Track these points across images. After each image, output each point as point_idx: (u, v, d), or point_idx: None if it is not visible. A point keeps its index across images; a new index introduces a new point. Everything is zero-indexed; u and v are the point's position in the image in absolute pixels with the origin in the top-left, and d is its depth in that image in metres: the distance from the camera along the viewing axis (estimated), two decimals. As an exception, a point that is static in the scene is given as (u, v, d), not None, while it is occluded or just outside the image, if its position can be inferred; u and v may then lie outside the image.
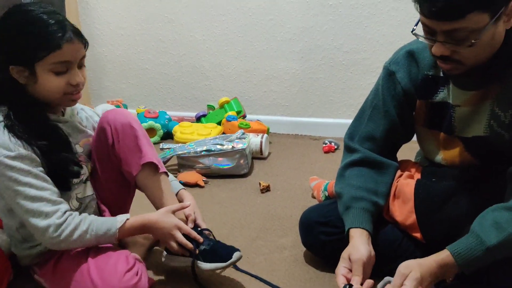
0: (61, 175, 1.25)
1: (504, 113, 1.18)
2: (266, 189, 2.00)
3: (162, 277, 1.41)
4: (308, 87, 2.66)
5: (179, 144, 2.28)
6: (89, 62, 1.25)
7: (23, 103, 1.21)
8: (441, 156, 1.33)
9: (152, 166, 1.33)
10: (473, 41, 1.07)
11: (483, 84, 1.19)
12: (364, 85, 2.56)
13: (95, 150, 1.38)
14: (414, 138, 1.42)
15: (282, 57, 2.66)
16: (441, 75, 1.26)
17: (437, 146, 1.34)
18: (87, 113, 1.44)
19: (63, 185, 1.26)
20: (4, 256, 1.34)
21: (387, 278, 1.17)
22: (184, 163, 2.17)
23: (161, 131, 2.64)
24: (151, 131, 2.61)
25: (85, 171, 1.34)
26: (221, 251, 1.29)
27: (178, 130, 2.52)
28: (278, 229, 1.69)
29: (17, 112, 1.21)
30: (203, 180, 2.08)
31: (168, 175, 1.40)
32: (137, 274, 1.23)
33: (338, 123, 2.61)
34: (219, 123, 2.60)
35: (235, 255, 1.28)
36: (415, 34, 1.15)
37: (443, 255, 1.13)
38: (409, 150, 1.51)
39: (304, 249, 1.50)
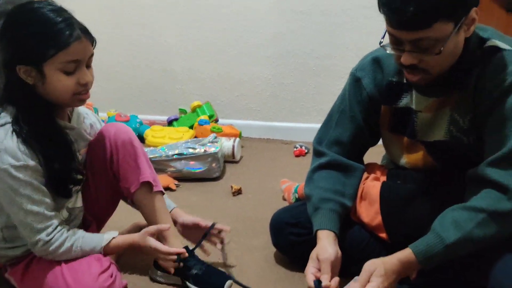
0: (63, 182, 1.24)
1: (463, 119, 1.23)
2: (237, 192, 2.02)
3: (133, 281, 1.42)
4: (280, 92, 2.70)
5: (151, 148, 2.28)
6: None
7: (32, 104, 1.19)
8: (405, 160, 1.38)
9: (149, 185, 1.36)
10: (441, 48, 1.11)
11: (444, 91, 1.24)
12: (334, 91, 2.58)
13: (91, 161, 1.37)
14: (380, 142, 1.47)
15: (254, 62, 2.68)
16: (405, 81, 1.30)
17: (401, 150, 1.38)
18: (91, 120, 1.42)
19: (64, 193, 1.25)
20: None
21: (356, 278, 1.20)
22: (156, 166, 2.12)
23: (133, 134, 2.63)
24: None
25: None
26: (213, 279, 1.33)
27: (149, 134, 2.51)
28: (249, 231, 1.71)
29: (25, 114, 1.18)
30: (174, 184, 2.08)
31: (163, 194, 1.41)
32: (111, 276, 1.23)
33: (309, 127, 2.63)
34: (191, 127, 2.61)
35: (227, 284, 1.32)
36: (383, 46, 1.19)
37: (406, 253, 1.17)
38: (375, 154, 1.56)
39: (275, 250, 1.53)
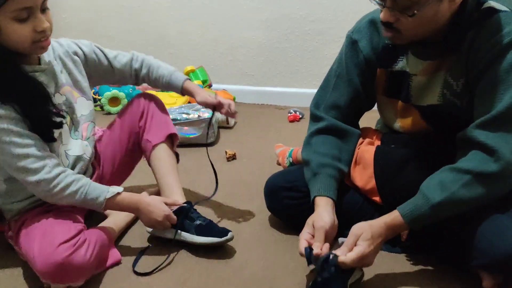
0: (43, 127, 1.23)
1: (456, 82, 1.23)
2: (232, 158, 2.02)
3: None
4: (274, 56, 2.67)
5: (145, 113, 2.27)
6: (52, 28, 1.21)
7: None
8: (399, 124, 1.38)
9: (170, 142, 1.51)
10: (415, 11, 1.10)
11: (439, 54, 1.23)
12: (329, 55, 2.58)
13: (123, 115, 1.53)
14: (375, 106, 1.47)
15: (248, 26, 2.64)
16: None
17: (395, 114, 1.38)
18: (64, 48, 1.37)
19: (45, 137, 1.23)
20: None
21: (341, 239, 1.23)
22: (150, 132, 2.16)
23: (125, 100, 2.61)
24: (115, 100, 2.58)
25: (67, 121, 1.32)
26: (216, 228, 1.38)
27: (143, 99, 2.49)
28: (244, 195, 1.72)
29: None
30: (169, 149, 2.09)
31: (178, 156, 1.56)
32: (74, 245, 1.18)
33: (304, 92, 2.64)
34: (185, 92, 2.59)
35: (230, 233, 1.36)
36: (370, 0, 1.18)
37: (392, 216, 1.20)
38: (370, 119, 1.56)
39: (269, 214, 1.55)
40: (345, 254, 1.14)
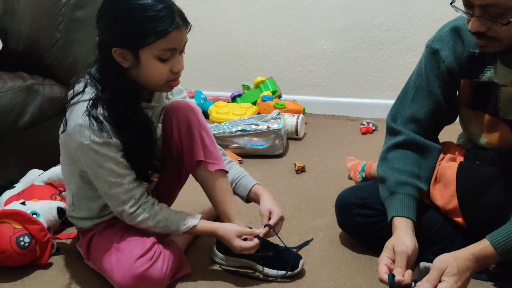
0: (143, 168, 1.25)
1: None
2: (301, 170, 1.98)
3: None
4: (346, 66, 2.61)
5: (214, 124, 2.29)
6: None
7: (121, 87, 1.18)
8: (485, 139, 1.29)
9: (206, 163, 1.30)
10: (510, 19, 1.02)
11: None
12: (404, 65, 2.48)
13: (161, 138, 1.36)
14: (457, 120, 1.38)
15: (319, 36, 2.61)
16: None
17: (481, 129, 1.29)
18: (176, 97, 1.39)
19: (143, 178, 1.26)
20: (44, 229, 1.38)
21: (423, 263, 1.15)
22: (219, 142, 2.14)
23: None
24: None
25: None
26: (287, 259, 1.31)
27: (213, 110, 2.52)
28: (313, 210, 1.67)
29: (111, 96, 1.17)
30: (238, 160, 2.08)
31: (227, 172, 1.35)
32: (151, 259, 1.21)
33: (377, 103, 2.56)
34: (254, 103, 2.59)
35: (301, 263, 1.31)
36: (454, 7, 1.11)
37: (481, 246, 1.09)
38: (450, 132, 1.46)
39: (340, 230, 1.48)
40: None
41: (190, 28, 1.20)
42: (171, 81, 1.21)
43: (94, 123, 1.15)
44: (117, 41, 1.14)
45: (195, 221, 1.27)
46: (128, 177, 1.21)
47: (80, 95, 1.19)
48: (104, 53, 1.17)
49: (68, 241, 1.50)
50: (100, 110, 1.17)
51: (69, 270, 1.38)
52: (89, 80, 1.21)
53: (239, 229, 1.28)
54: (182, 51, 1.21)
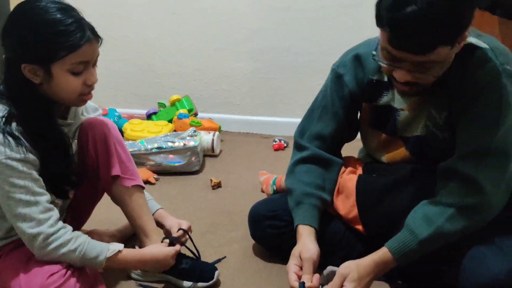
0: (59, 184, 1.22)
1: (439, 115, 1.26)
2: (217, 186, 2.03)
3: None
4: (259, 86, 2.71)
5: (130, 141, 2.27)
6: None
7: (32, 104, 1.15)
8: (383, 155, 1.41)
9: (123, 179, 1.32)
10: (438, 70, 1.14)
11: (427, 91, 1.24)
12: (312, 86, 2.57)
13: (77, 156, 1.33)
14: (358, 136, 1.50)
15: (233, 57, 2.69)
16: (385, 80, 1.32)
17: (379, 145, 1.41)
18: (88, 105, 1.38)
19: (60, 194, 1.23)
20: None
21: (329, 268, 1.23)
22: (135, 160, 2.14)
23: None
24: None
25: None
26: (203, 271, 1.34)
27: (128, 127, 2.50)
28: (228, 223, 1.73)
29: (23, 113, 1.14)
30: (154, 177, 2.09)
31: (143, 188, 1.37)
32: (64, 275, 1.16)
33: (288, 122, 2.65)
34: (170, 121, 2.60)
35: (216, 274, 1.35)
36: (378, 60, 1.19)
37: (381, 253, 1.20)
38: (352, 148, 1.58)
39: (253, 242, 1.55)
40: None
41: (101, 42, 1.20)
42: (84, 95, 1.20)
43: (10, 138, 1.12)
44: (26, 57, 1.12)
45: (119, 246, 1.23)
46: (45, 196, 1.17)
47: None
48: (12, 70, 1.14)
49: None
50: (14, 125, 1.14)
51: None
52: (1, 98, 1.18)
53: (168, 248, 1.31)
54: (94, 64, 1.20)
